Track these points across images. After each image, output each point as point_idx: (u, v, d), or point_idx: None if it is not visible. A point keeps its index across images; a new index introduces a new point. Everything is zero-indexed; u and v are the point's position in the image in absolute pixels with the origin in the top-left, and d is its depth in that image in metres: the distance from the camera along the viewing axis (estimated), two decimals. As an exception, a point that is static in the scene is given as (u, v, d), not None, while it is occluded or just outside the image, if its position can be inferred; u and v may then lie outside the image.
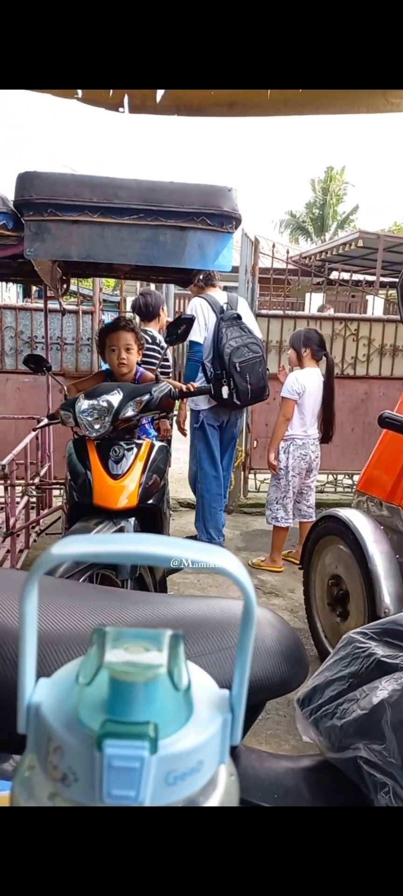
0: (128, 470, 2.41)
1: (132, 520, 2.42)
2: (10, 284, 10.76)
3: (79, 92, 2.33)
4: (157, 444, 2.60)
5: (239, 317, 4.14)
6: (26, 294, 10.98)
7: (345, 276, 8.03)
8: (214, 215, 2.25)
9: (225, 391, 3.99)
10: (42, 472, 4.54)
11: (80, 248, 2.24)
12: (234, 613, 0.69)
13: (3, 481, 3.37)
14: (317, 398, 4.09)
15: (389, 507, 2.80)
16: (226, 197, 2.27)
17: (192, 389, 3.24)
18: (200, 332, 4.09)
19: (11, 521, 3.38)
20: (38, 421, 3.90)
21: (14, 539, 3.44)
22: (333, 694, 0.72)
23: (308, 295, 11.16)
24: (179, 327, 2.71)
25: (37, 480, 4.37)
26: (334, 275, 8.71)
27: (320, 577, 3.13)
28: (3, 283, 9.83)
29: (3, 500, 3.66)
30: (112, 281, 11.30)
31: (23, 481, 3.99)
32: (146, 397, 2.48)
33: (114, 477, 2.39)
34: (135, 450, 2.47)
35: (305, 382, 4.03)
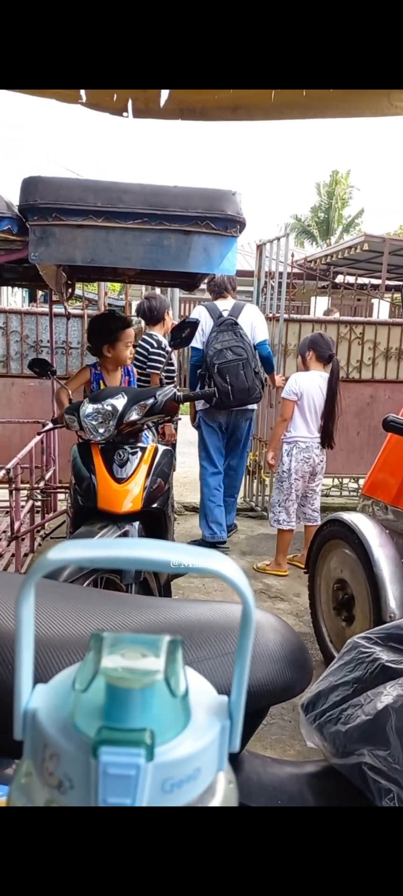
0: (132, 474, 2.41)
1: (136, 524, 2.42)
2: (16, 289, 10.81)
3: (84, 97, 2.33)
4: (162, 447, 2.59)
5: (235, 323, 4.30)
6: (32, 298, 11.02)
7: (351, 279, 8.02)
8: (218, 219, 2.25)
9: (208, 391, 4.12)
10: (47, 476, 4.55)
11: (85, 252, 2.24)
12: (237, 618, 0.68)
13: (8, 485, 3.37)
14: (319, 400, 4.05)
15: (394, 510, 2.79)
16: (231, 201, 2.27)
17: (198, 394, 3.30)
18: (198, 338, 4.29)
19: (16, 524, 3.39)
20: (43, 425, 3.91)
21: (19, 543, 3.44)
22: (338, 699, 0.71)
23: (313, 299, 11.15)
24: (183, 331, 2.71)
25: (41, 484, 4.38)
26: (339, 278, 8.71)
27: (325, 581, 3.12)
28: (9, 288, 9.87)
29: (7, 503, 3.66)
30: (117, 285, 11.32)
31: (28, 485, 4.00)
32: (150, 401, 2.48)
33: (119, 481, 2.39)
34: (139, 453, 2.47)
35: (304, 384, 4.03)
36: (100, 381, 3.14)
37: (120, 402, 2.44)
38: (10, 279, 4.03)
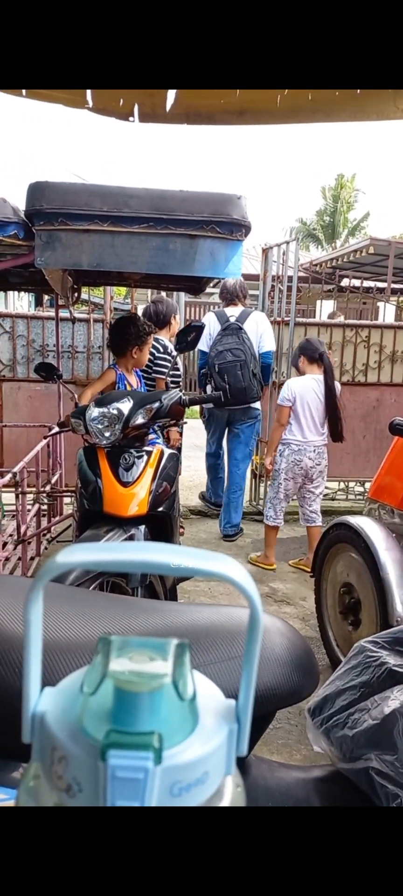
0: (138, 477, 2.41)
1: (142, 527, 2.42)
2: (22, 294, 10.85)
3: (90, 101, 2.34)
4: (168, 451, 2.60)
5: (240, 328, 4.64)
6: (38, 303, 11.06)
7: (356, 283, 8.01)
8: (224, 223, 2.26)
9: (209, 388, 4.69)
10: (53, 480, 4.56)
11: (91, 256, 2.25)
12: (244, 622, 0.68)
13: (14, 489, 3.38)
14: (315, 402, 4.10)
15: (401, 514, 2.78)
16: (236, 205, 2.28)
17: (204, 397, 3.34)
18: (205, 342, 4.67)
19: (23, 528, 3.39)
20: (50, 429, 3.93)
21: (25, 546, 3.45)
22: (344, 703, 0.71)
23: (318, 302, 11.15)
24: (189, 335, 2.71)
25: (48, 488, 4.39)
26: (345, 282, 8.70)
27: (332, 585, 3.11)
28: (15, 293, 9.90)
29: (14, 507, 3.67)
30: (123, 289, 11.35)
31: (34, 489, 4.01)
32: (156, 405, 2.48)
33: (125, 484, 2.39)
34: (145, 457, 2.47)
35: (298, 388, 4.11)
36: (126, 383, 3.15)
37: (126, 405, 2.45)
38: (17, 284, 4.05)
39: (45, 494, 4.27)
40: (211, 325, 4.70)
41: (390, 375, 6.06)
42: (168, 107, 2.30)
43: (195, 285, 3.82)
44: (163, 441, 3.22)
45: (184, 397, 2.66)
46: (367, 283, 8.14)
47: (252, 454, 5.14)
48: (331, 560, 3.10)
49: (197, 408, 4.95)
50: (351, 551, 2.88)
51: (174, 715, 0.31)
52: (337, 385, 4.22)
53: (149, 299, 5.70)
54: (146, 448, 2.53)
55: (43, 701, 0.33)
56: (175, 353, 3.49)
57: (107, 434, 2.44)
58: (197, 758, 0.30)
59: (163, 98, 2.30)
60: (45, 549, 4.15)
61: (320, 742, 0.71)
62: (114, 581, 2.29)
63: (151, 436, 2.74)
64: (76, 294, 4.11)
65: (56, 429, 3.14)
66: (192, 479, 6.02)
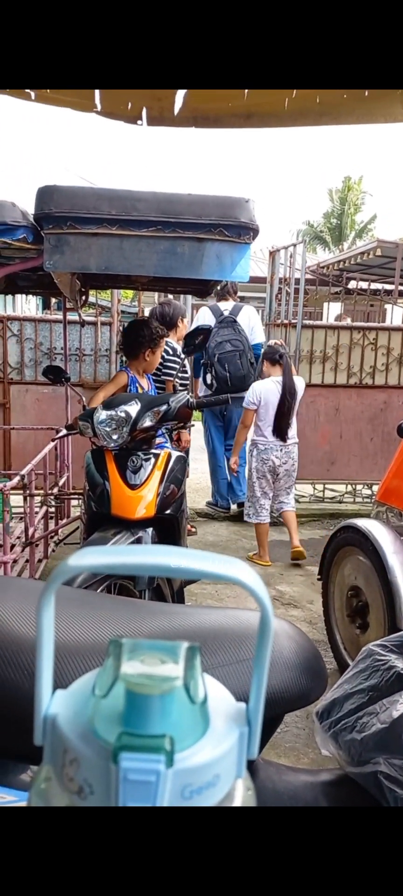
0: (145, 480, 2.42)
1: (150, 530, 2.42)
2: (30, 297, 10.89)
3: (98, 105, 2.35)
4: (175, 454, 2.60)
5: (234, 321, 4.97)
6: (46, 306, 11.09)
7: (363, 285, 7.99)
8: (232, 226, 2.26)
9: (208, 378, 4.94)
10: (61, 483, 4.57)
11: (99, 260, 2.26)
12: (251, 624, 0.68)
13: (22, 491, 3.39)
14: (275, 403, 4.27)
15: (409, 517, 2.77)
16: (244, 208, 2.28)
17: (212, 400, 3.37)
18: None
19: (30, 530, 3.40)
20: (57, 431, 3.94)
21: (33, 549, 3.46)
22: (352, 707, 0.71)
23: (325, 304, 11.13)
24: (196, 338, 2.72)
25: (55, 490, 4.40)
26: (352, 284, 8.68)
27: (339, 588, 3.10)
28: (23, 296, 9.94)
29: (22, 510, 3.68)
30: (130, 292, 11.37)
31: (41, 491, 4.02)
32: (164, 408, 2.49)
33: (132, 487, 2.40)
34: (152, 460, 2.47)
35: (261, 392, 4.29)
36: (137, 385, 3.16)
37: (133, 408, 2.45)
38: (25, 287, 4.07)
39: (52, 497, 4.28)
40: (206, 318, 5.02)
41: (397, 378, 6.03)
42: (176, 110, 2.31)
43: (202, 288, 3.82)
44: (172, 443, 3.23)
45: (191, 400, 2.67)
46: (374, 286, 8.11)
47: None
48: (339, 563, 3.09)
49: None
50: (359, 554, 2.87)
51: (185, 718, 0.31)
52: (301, 383, 4.44)
53: (157, 302, 5.72)
54: (154, 451, 2.53)
55: (55, 703, 0.33)
56: (183, 355, 3.50)
57: (114, 437, 2.44)
58: (208, 761, 0.30)
59: (171, 102, 2.31)
60: (53, 551, 4.16)
61: (328, 746, 0.71)
62: (121, 583, 2.29)
63: (159, 439, 2.74)
64: (84, 297, 4.12)
65: (64, 431, 3.15)
66: (199, 482, 6.01)
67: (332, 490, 6.15)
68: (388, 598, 2.57)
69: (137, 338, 3.10)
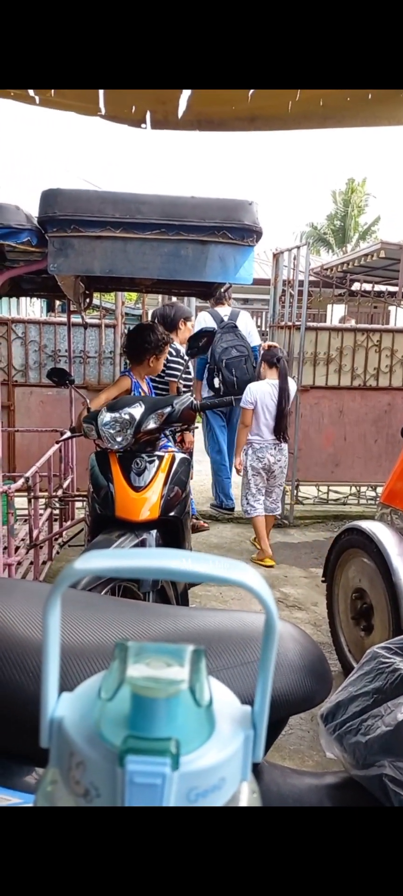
0: (149, 482, 2.42)
1: (154, 532, 2.42)
2: (35, 299, 10.91)
3: (103, 109, 2.35)
4: (179, 456, 2.60)
5: (235, 326, 5.16)
6: (50, 308, 11.11)
7: (367, 287, 7.98)
8: (235, 229, 2.26)
9: (216, 382, 5.08)
10: (65, 485, 4.57)
11: (103, 263, 2.26)
12: (256, 627, 0.68)
13: (26, 493, 3.40)
14: (271, 404, 4.44)
15: (413, 519, 2.76)
16: (247, 210, 2.27)
17: (216, 402, 3.38)
18: None
19: (35, 533, 3.41)
20: (61, 434, 3.94)
21: (37, 551, 3.46)
22: (357, 710, 0.71)
23: (329, 306, 11.12)
24: (200, 340, 2.72)
25: (60, 493, 4.41)
26: (356, 286, 8.66)
27: (343, 590, 3.10)
28: (28, 298, 9.96)
29: (26, 512, 3.69)
30: (134, 295, 11.38)
31: (46, 493, 4.02)
32: (168, 410, 2.49)
33: (136, 489, 2.40)
34: (156, 462, 2.47)
35: (256, 393, 4.45)
36: (140, 390, 3.16)
37: (137, 410, 2.46)
38: (30, 290, 4.07)
39: (56, 499, 4.29)
40: (207, 321, 5.13)
41: (401, 380, 6.02)
42: (180, 114, 2.31)
43: (206, 290, 3.82)
44: (175, 444, 3.23)
45: (195, 402, 2.67)
46: (378, 287, 8.11)
47: None
48: (343, 565, 3.08)
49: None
50: (363, 556, 2.86)
51: (191, 721, 0.31)
52: (294, 386, 4.64)
53: (160, 304, 5.75)
54: (158, 453, 2.53)
55: (61, 706, 0.33)
56: (186, 357, 3.51)
57: (119, 439, 2.45)
58: (213, 764, 0.30)
59: (175, 105, 2.31)
60: (57, 553, 4.16)
61: (333, 748, 0.71)
62: (125, 585, 2.29)
63: (163, 441, 2.74)
64: (88, 300, 4.13)
65: (68, 433, 3.15)
66: (203, 484, 6.01)
67: (336, 492, 6.14)
68: (393, 601, 2.56)
69: (144, 343, 3.10)
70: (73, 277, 3.08)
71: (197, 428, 3.52)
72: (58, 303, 6.27)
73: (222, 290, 4.89)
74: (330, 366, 5.86)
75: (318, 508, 5.88)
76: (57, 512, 4.48)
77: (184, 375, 3.97)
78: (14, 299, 10.33)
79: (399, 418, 5.89)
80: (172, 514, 2.46)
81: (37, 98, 2.33)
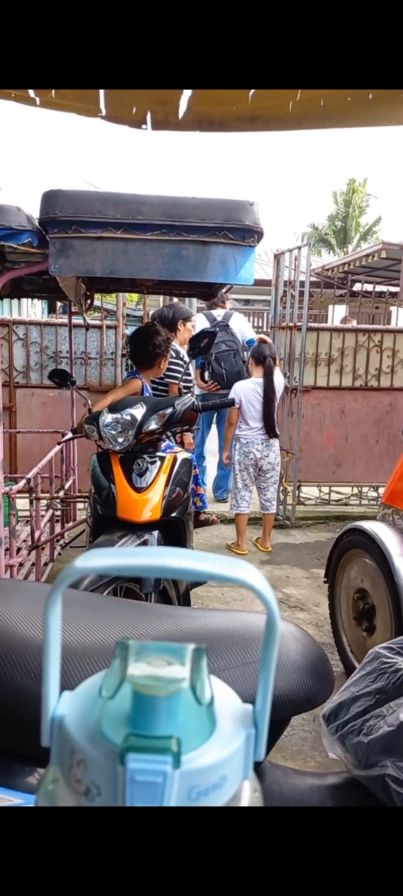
0: (151, 483, 2.42)
1: (156, 533, 2.42)
2: (36, 301, 10.92)
3: (103, 110, 2.35)
4: (181, 456, 2.60)
5: (226, 325, 5.48)
6: (51, 310, 11.12)
7: (368, 287, 7.98)
8: (236, 229, 2.26)
9: (206, 375, 5.39)
10: (66, 486, 4.58)
11: (104, 264, 2.26)
12: (258, 627, 0.68)
13: (28, 495, 3.40)
14: (256, 401, 4.54)
15: (415, 519, 2.76)
16: (248, 211, 2.27)
17: (217, 403, 3.41)
18: None
19: (36, 534, 3.41)
20: (63, 435, 3.94)
21: (39, 552, 3.46)
22: (359, 710, 0.71)
23: (330, 307, 11.11)
24: (201, 341, 2.72)
25: (61, 494, 4.41)
26: (357, 286, 8.66)
27: (345, 591, 3.09)
28: (29, 300, 9.97)
29: (28, 513, 3.69)
30: (135, 296, 11.39)
31: (47, 495, 4.02)
32: (169, 411, 2.49)
33: (138, 490, 2.40)
34: (158, 463, 2.47)
35: (241, 392, 4.58)
36: (148, 391, 3.15)
37: (139, 411, 2.46)
38: (31, 291, 4.08)
39: (58, 500, 4.29)
40: (203, 323, 5.39)
41: (403, 380, 6.03)
42: (180, 114, 2.31)
43: (207, 291, 3.82)
44: (177, 444, 3.22)
45: (196, 403, 2.66)
46: (379, 288, 8.11)
47: None
48: (345, 565, 3.08)
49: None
50: (365, 557, 2.86)
51: (192, 719, 0.31)
52: (281, 380, 4.72)
53: (161, 304, 5.78)
54: (159, 453, 2.53)
55: (62, 705, 0.33)
56: (187, 358, 3.50)
57: (120, 440, 2.45)
58: (215, 762, 0.30)
59: (175, 106, 2.31)
60: (59, 554, 4.17)
61: (335, 748, 0.71)
62: (127, 586, 2.29)
63: (165, 442, 2.74)
64: (89, 301, 4.13)
65: (69, 435, 3.15)
66: (205, 485, 6.02)
67: (338, 492, 6.13)
68: (395, 601, 2.56)
69: (154, 348, 3.09)
70: (75, 278, 3.08)
71: (198, 428, 3.53)
72: (59, 304, 6.27)
73: (222, 291, 4.93)
74: (332, 366, 5.87)
75: (320, 509, 5.88)
76: (58, 513, 4.48)
77: (184, 377, 3.97)
78: (15, 301, 10.34)
79: (400, 418, 5.89)
80: (174, 514, 2.46)
81: (37, 99, 2.33)
